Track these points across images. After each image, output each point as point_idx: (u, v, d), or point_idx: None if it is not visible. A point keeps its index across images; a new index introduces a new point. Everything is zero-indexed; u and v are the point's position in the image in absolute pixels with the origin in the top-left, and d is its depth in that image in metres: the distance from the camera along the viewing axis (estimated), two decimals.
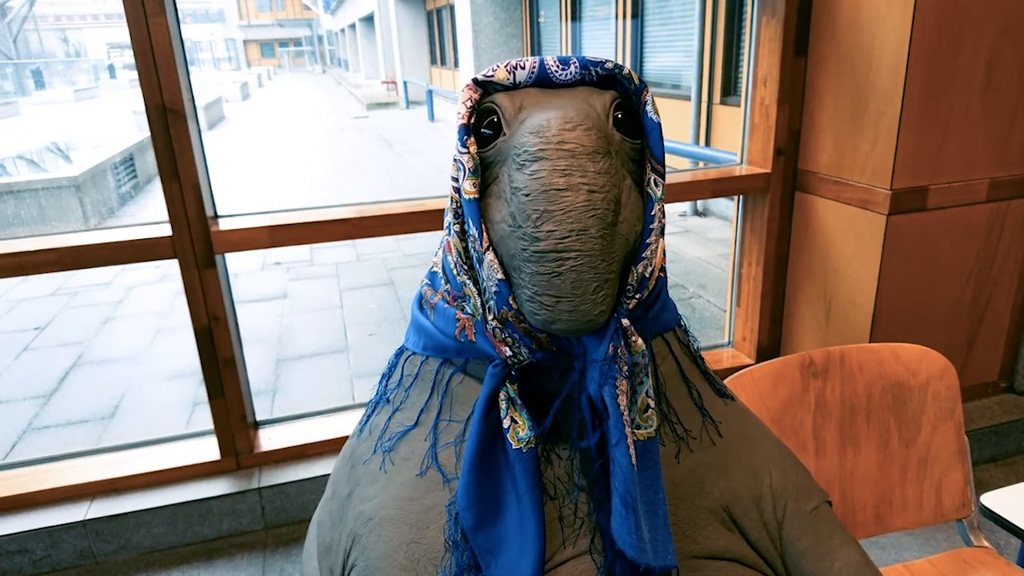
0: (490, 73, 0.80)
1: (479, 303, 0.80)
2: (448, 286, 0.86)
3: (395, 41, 22.27)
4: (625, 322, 0.76)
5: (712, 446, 0.89)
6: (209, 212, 2.07)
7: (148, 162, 10.40)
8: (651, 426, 0.79)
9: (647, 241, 0.77)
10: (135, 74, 1.88)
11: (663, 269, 0.85)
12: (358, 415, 2.33)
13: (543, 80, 0.80)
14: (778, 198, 2.51)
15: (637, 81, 0.80)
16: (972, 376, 2.51)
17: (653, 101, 0.80)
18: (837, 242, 2.36)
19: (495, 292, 0.75)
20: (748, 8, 3.44)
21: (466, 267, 0.81)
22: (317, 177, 9.96)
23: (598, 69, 0.80)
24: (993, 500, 1.25)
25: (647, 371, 0.78)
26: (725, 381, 1.25)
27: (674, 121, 7.61)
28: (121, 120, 14.93)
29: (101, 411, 3.49)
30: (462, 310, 0.83)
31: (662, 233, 0.81)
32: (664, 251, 0.83)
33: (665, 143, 0.82)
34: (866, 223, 2.23)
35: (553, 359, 0.78)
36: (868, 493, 1.40)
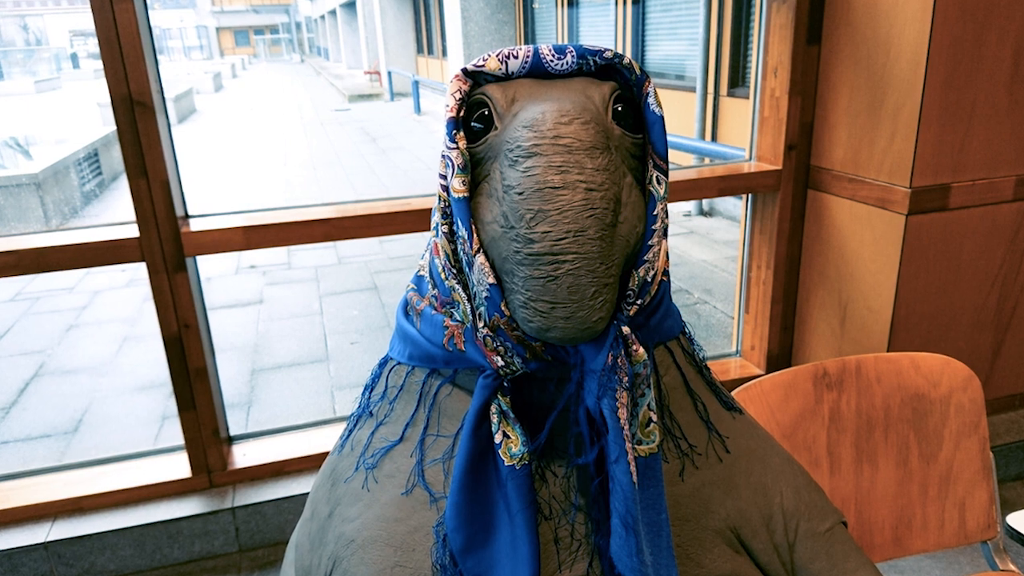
0: (481, 63, 0.80)
1: (469, 309, 0.80)
2: (436, 291, 0.86)
3: (379, 28, 22.29)
4: (625, 330, 0.76)
5: (719, 463, 0.89)
6: (179, 212, 2.06)
7: (114, 158, 10.39)
8: (653, 441, 0.79)
9: (649, 243, 0.77)
10: (100, 64, 1.88)
11: (666, 273, 0.85)
12: (339, 429, 2.33)
13: (537, 70, 0.80)
14: (789, 197, 2.52)
15: (638, 71, 0.80)
16: (997, 388, 2.52)
17: (655, 93, 0.80)
18: (853, 244, 2.36)
19: (486, 297, 0.75)
20: None
21: (455, 271, 0.81)
22: (295, 174, 9.95)
23: (596, 58, 0.80)
24: (1020, 520, 1.25)
25: (649, 382, 0.78)
26: (733, 393, 1.25)
27: (678, 114, 7.63)
28: (85, 113, 14.90)
29: (64, 425, 3.48)
30: (451, 317, 0.83)
31: (665, 234, 0.81)
32: (667, 253, 0.83)
33: (668, 138, 0.82)
34: (884, 223, 2.23)
35: (548, 369, 0.78)
36: (886, 513, 1.40)
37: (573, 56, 0.80)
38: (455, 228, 0.78)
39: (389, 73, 20.40)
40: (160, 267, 2.05)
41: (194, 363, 2.17)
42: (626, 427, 0.75)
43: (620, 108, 0.78)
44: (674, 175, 2.47)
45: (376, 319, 4.70)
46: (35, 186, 7.77)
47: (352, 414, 0.97)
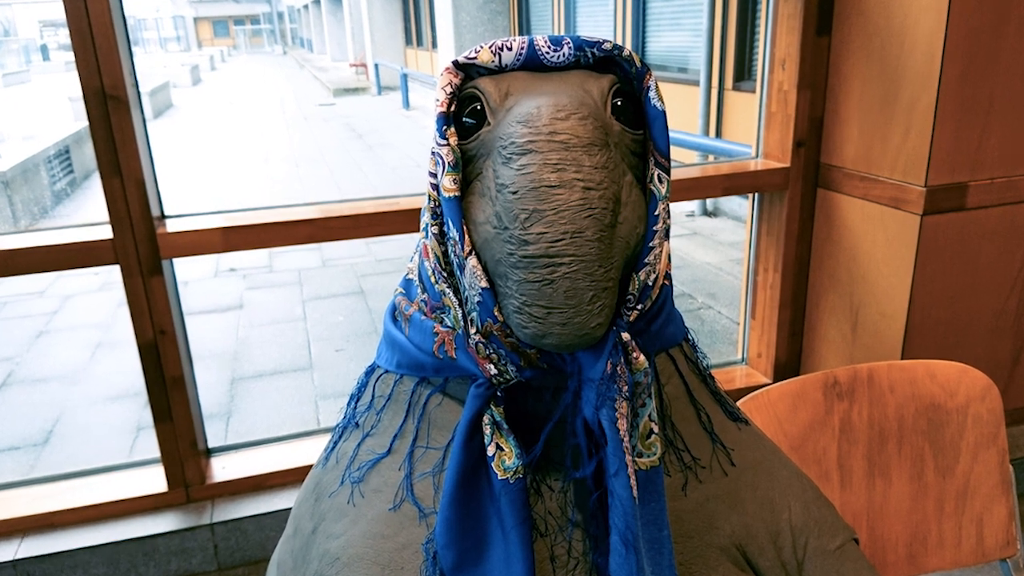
0: (473, 55, 0.80)
1: (460, 315, 0.80)
2: (425, 295, 0.85)
3: (365, 19, 22.30)
4: (625, 336, 0.76)
5: (723, 476, 0.89)
6: (155, 212, 2.06)
7: (86, 155, 10.37)
8: (654, 454, 0.79)
9: (650, 245, 0.77)
10: (71, 56, 1.87)
11: (668, 276, 0.85)
12: (323, 441, 2.32)
13: (532, 63, 0.80)
14: (798, 196, 2.52)
15: (639, 64, 0.80)
16: (1017, 397, 2.52)
17: (657, 86, 0.80)
18: (865, 245, 2.37)
19: (478, 302, 0.75)
20: None
21: (445, 274, 0.81)
22: (277, 172, 9.95)
23: (594, 50, 0.80)
24: None
25: (650, 392, 0.78)
26: (738, 403, 1.25)
27: (680, 109, 7.64)
28: (55, 108, 14.90)
29: (33, 436, 3.47)
30: (441, 323, 0.83)
31: (667, 236, 0.81)
32: (669, 256, 0.83)
33: (671, 134, 0.82)
34: (897, 224, 2.24)
35: (544, 378, 0.78)
36: (900, 529, 1.40)
37: (570, 48, 0.80)
38: (446, 229, 0.78)
39: (376, 66, 20.39)
40: (135, 270, 2.05)
41: (171, 371, 2.16)
42: (626, 439, 0.75)
43: (619, 103, 0.78)
44: (676, 173, 2.47)
45: (362, 325, 4.69)
46: (3, 185, 7.76)
47: (337, 425, 0.97)
